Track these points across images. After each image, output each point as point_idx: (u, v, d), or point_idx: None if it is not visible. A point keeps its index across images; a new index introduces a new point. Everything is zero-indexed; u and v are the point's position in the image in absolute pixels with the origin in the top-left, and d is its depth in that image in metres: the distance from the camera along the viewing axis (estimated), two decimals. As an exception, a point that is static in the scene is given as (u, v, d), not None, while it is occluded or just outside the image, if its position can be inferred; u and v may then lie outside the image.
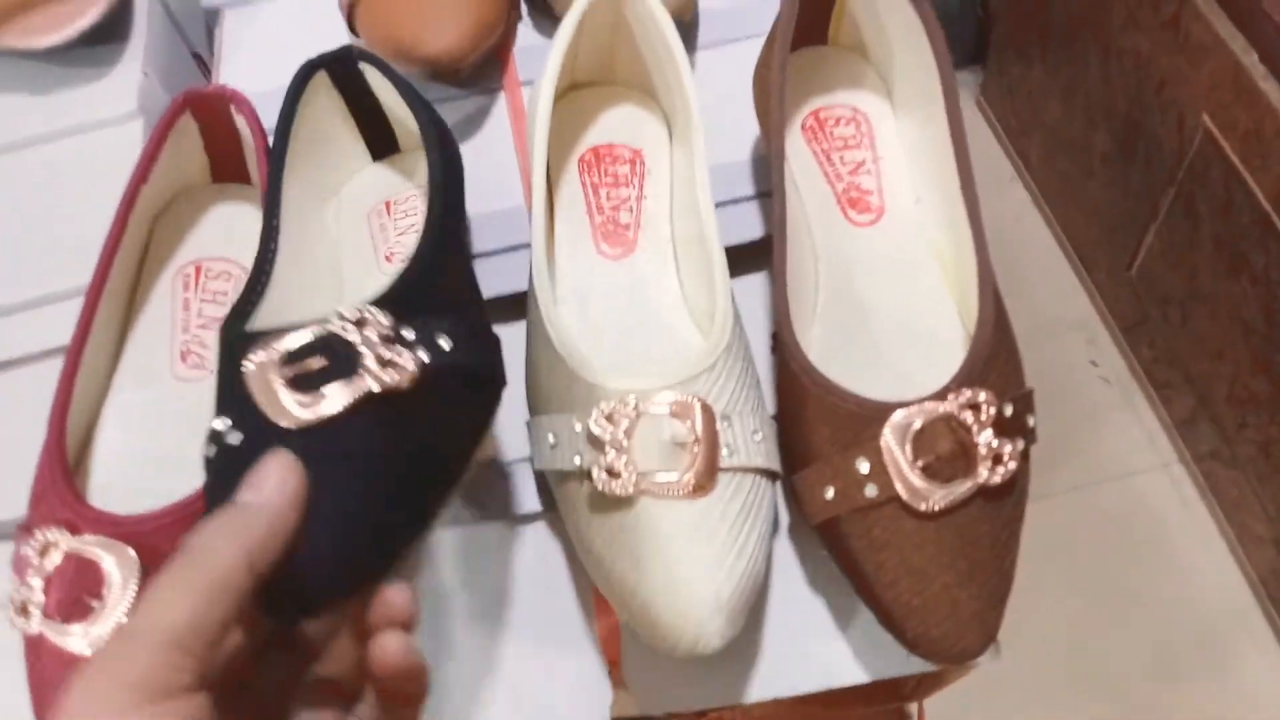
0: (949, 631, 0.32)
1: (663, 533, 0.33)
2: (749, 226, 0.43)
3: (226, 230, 0.42)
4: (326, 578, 0.27)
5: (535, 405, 0.37)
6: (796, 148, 0.43)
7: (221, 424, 0.29)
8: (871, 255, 0.41)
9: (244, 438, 0.29)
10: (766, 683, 0.37)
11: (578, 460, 0.34)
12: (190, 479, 0.32)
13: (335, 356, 0.29)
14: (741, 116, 0.45)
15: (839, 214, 0.42)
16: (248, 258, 0.41)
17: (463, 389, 0.32)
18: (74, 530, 0.32)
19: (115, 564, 0.32)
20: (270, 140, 0.40)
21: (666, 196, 0.43)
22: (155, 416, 0.38)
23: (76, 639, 0.31)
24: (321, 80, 0.40)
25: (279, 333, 0.30)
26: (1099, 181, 1.06)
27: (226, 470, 0.28)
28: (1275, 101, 0.76)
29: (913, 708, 0.44)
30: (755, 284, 0.43)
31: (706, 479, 0.33)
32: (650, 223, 0.42)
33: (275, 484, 0.27)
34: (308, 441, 0.28)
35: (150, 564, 0.32)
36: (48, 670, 0.32)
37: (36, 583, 0.32)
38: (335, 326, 0.29)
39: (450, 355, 0.31)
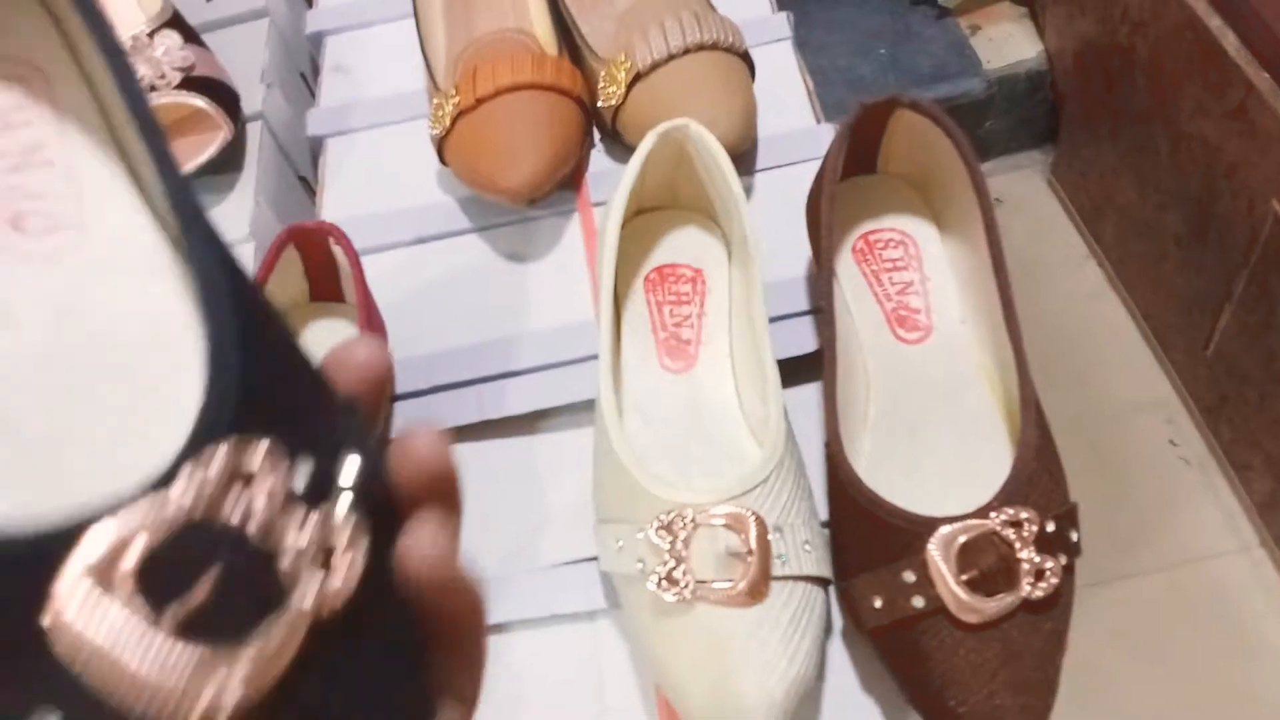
0: (993, 739, 0.34)
1: (719, 637, 0.35)
2: (802, 340, 0.46)
3: (324, 342, 0.47)
4: None
5: (601, 511, 0.41)
6: (847, 268, 0.46)
7: None
8: (920, 372, 0.43)
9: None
10: (819, 784, 0.38)
11: (640, 565, 0.37)
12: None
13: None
14: (796, 236, 0.48)
15: (888, 332, 0.44)
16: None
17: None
18: None
19: None
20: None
21: (725, 313, 0.46)
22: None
23: None
24: None
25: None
26: (1173, 263, 1.06)
27: None
28: (1346, 187, 0.77)
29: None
30: (809, 394, 0.46)
31: (760, 587, 0.36)
32: (710, 339, 0.45)
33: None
34: None
35: None
36: None
37: None
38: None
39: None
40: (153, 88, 0.53)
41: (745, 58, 0.51)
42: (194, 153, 0.54)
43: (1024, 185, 1.29)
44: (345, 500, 0.17)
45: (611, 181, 0.53)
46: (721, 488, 0.37)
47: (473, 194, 0.53)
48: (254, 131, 0.58)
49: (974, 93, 1.17)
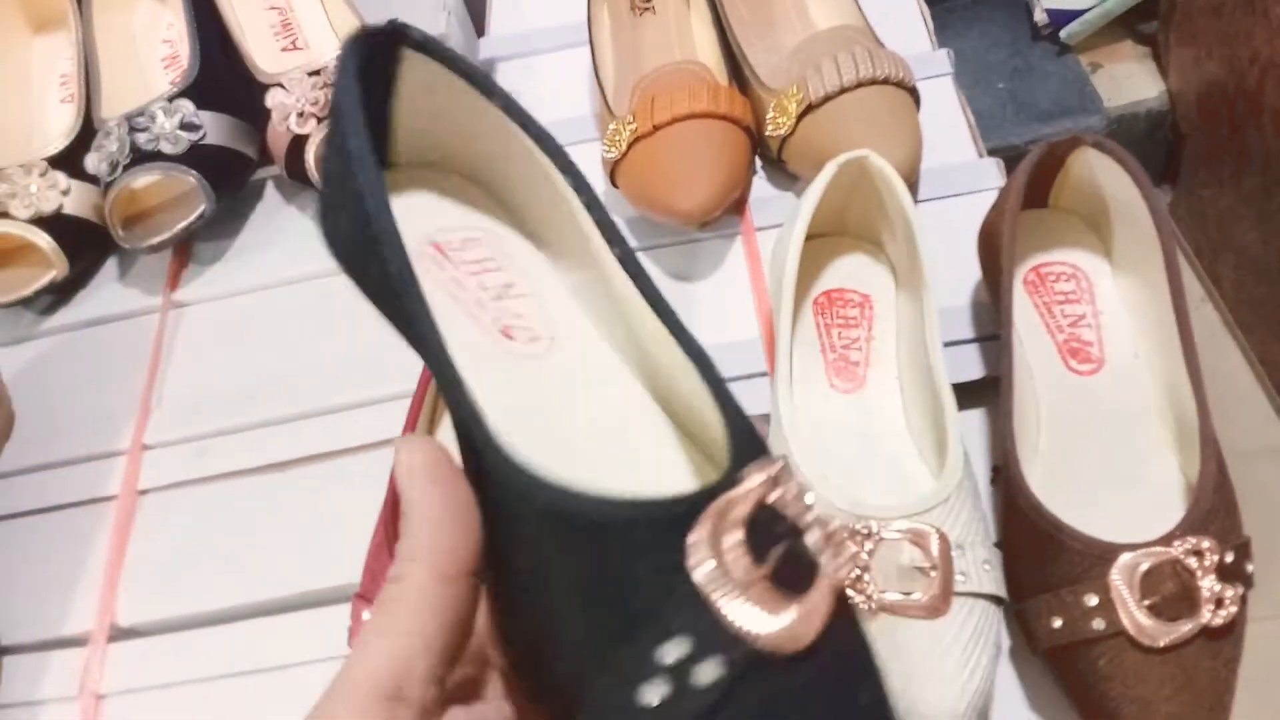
0: (1171, 761, 0.35)
1: (901, 648, 0.37)
2: (967, 367, 0.48)
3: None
4: None
5: None
6: (1019, 300, 0.47)
7: (677, 650, 0.20)
8: (1093, 403, 0.44)
9: (727, 671, 0.20)
10: (989, 795, 0.40)
11: None
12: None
13: (778, 537, 0.21)
14: (956, 266, 0.50)
15: (1060, 363, 0.45)
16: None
17: None
18: None
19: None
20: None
21: (893, 337, 0.48)
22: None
23: None
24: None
25: (688, 505, 0.21)
26: (1296, 308, 1.05)
27: None
28: None
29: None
30: (973, 420, 0.47)
31: (943, 601, 0.37)
32: (879, 361, 0.47)
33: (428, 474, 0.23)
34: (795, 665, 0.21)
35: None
36: None
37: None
38: (756, 488, 0.22)
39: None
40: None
41: (913, 93, 0.53)
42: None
43: (1138, 224, 1.28)
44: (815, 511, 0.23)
45: (774, 208, 0.55)
46: (904, 504, 0.39)
47: (639, 216, 0.56)
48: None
49: (1094, 130, 1.17)
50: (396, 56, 0.28)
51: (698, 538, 0.21)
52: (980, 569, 0.38)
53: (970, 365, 0.48)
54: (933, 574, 0.37)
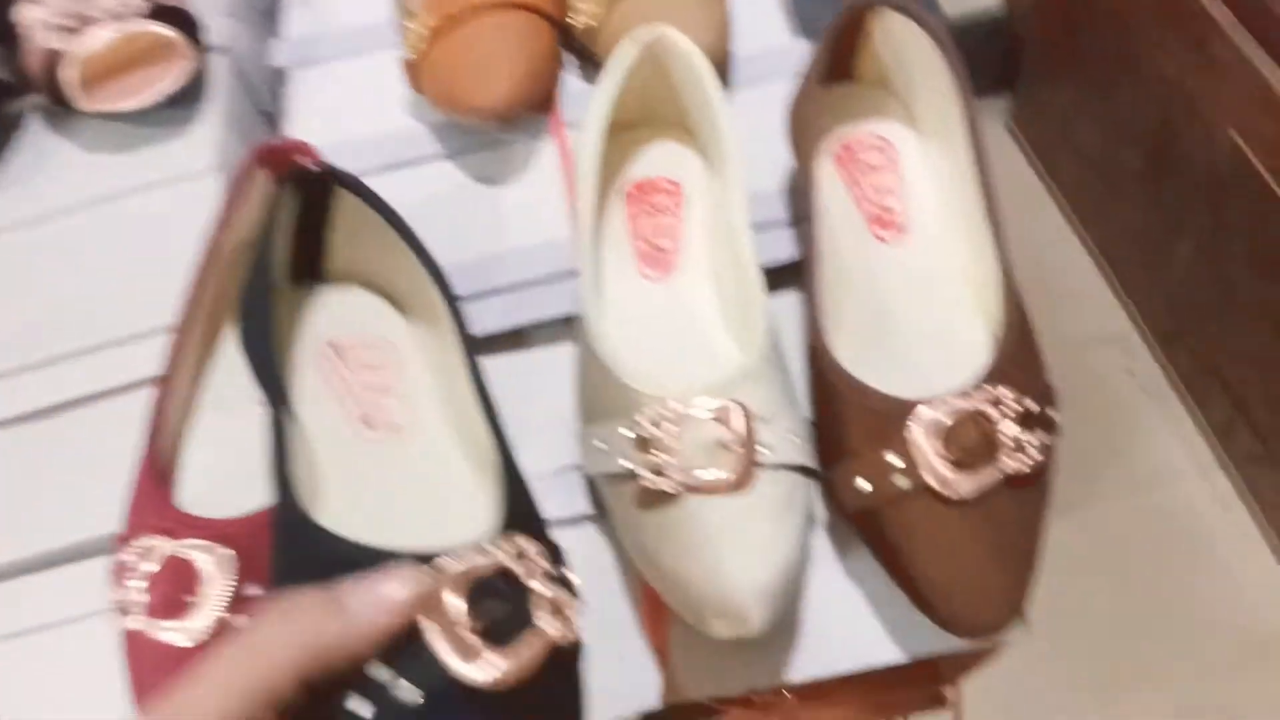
0: (977, 607, 0.35)
1: (708, 525, 0.36)
2: (782, 249, 0.47)
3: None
4: None
5: (585, 415, 0.41)
6: (828, 175, 0.46)
7: (385, 674, 0.26)
8: (899, 270, 0.44)
9: (426, 696, 0.25)
10: (807, 664, 0.39)
11: (626, 463, 0.37)
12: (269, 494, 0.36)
13: (507, 597, 0.27)
14: (774, 149, 0.49)
15: (868, 233, 0.45)
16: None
17: None
18: (172, 536, 0.36)
19: (213, 563, 0.35)
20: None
21: (704, 223, 0.46)
22: (238, 438, 0.42)
23: (177, 633, 0.35)
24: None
25: (425, 558, 0.27)
26: (1131, 199, 1.08)
27: None
28: (1299, 113, 0.79)
29: (951, 691, 0.46)
30: (790, 302, 0.46)
31: (747, 476, 0.36)
32: (689, 247, 0.46)
33: (389, 607, 0.26)
34: (493, 703, 0.26)
35: (244, 564, 0.35)
36: (148, 665, 0.35)
37: (137, 585, 0.36)
38: (503, 558, 0.28)
39: (573, 585, 0.30)
40: (117, 16, 0.52)
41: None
42: (153, 83, 0.53)
43: (985, 131, 1.30)
44: (569, 580, 0.31)
45: (585, 103, 0.53)
46: (707, 382, 0.38)
47: (444, 120, 0.53)
48: (215, 64, 0.58)
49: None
50: (331, 192, 0.38)
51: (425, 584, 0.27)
52: (787, 440, 0.38)
53: (784, 247, 0.47)
54: (737, 449, 0.36)
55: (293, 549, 0.29)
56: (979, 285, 0.42)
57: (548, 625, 0.27)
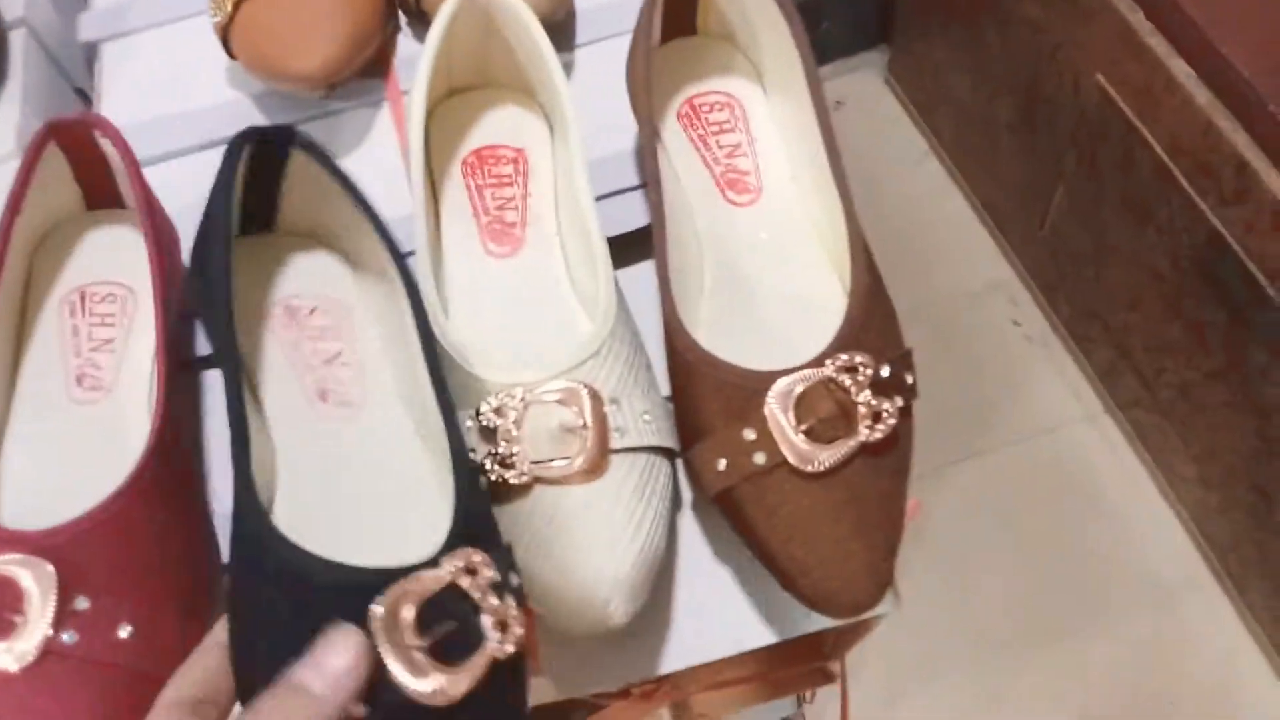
0: (843, 584, 0.33)
1: (560, 516, 0.33)
2: (634, 216, 0.44)
3: (107, 254, 0.42)
4: None
5: None
6: (674, 135, 0.44)
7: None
8: (753, 234, 0.42)
9: (372, 712, 0.26)
10: (679, 653, 0.37)
11: (473, 454, 0.34)
12: (98, 494, 0.33)
13: (455, 614, 0.27)
14: (622, 110, 0.46)
15: (719, 196, 0.43)
16: (130, 278, 0.42)
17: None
18: None
19: (33, 579, 0.32)
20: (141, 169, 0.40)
21: (551, 193, 0.43)
22: (57, 440, 0.38)
23: (3, 656, 0.31)
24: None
25: (387, 576, 0.27)
26: (1007, 150, 1.09)
27: None
28: (1163, 55, 0.79)
29: (835, 666, 0.45)
30: (646, 271, 0.44)
31: (598, 462, 0.34)
32: (536, 220, 0.43)
33: (344, 669, 0.25)
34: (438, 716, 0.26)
35: (66, 576, 0.32)
36: None
37: None
38: (449, 574, 0.28)
39: (520, 590, 0.30)
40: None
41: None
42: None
43: (863, 86, 1.30)
44: (518, 593, 0.29)
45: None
46: (552, 363, 0.35)
47: (268, 89, 0.49)
48: (17, 40, 0.52)
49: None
50: (287, 151, 0.37)
51: (377, 607, 0.27)
52: (640, 421, 0.35)
53: (636, 214, 0.44)
54: (585, 434, 0.34)
55: (250, 553, 0.29)
56: (833, 245, 0.40)
57: (492, 640, 0.28)
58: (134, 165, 0.39)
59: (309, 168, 0.38)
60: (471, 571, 0.28)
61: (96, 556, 0.33)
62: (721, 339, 0.38)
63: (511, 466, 0.34)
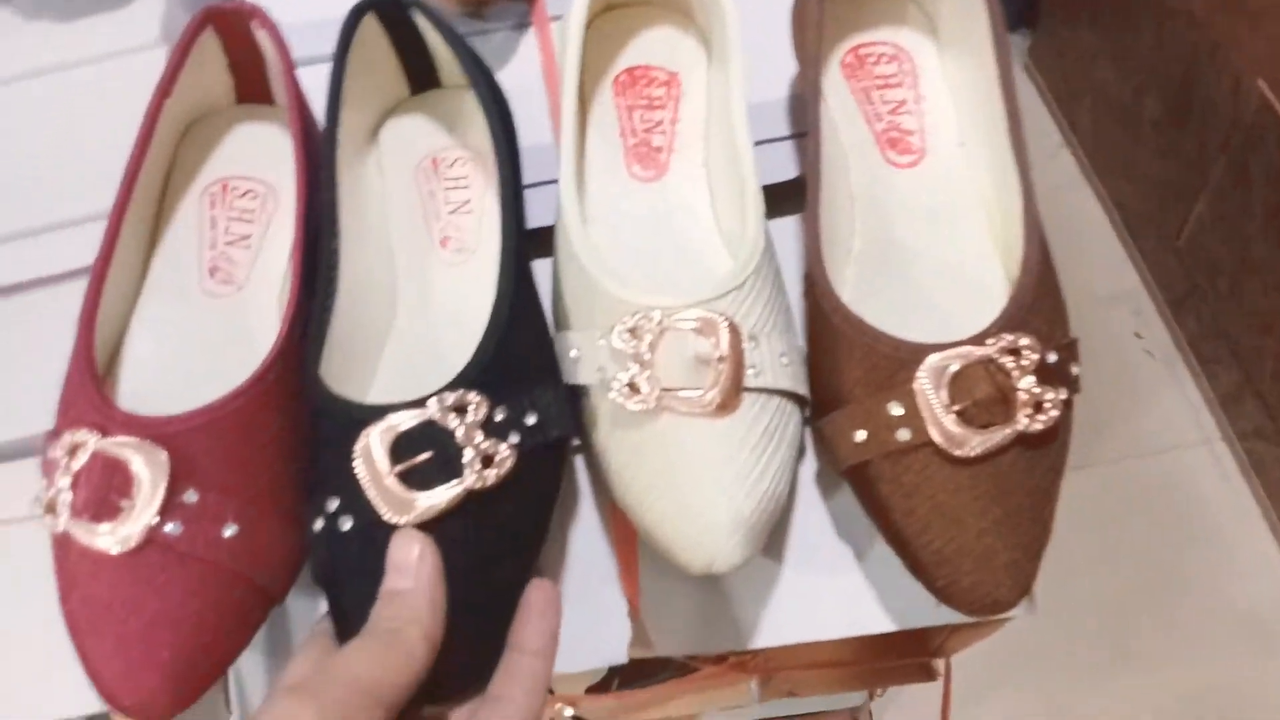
0: (981, 581, 0.31)
1: (684, 450, 0.32)
2: (784, 166, 0.42)
3: (252, 149, 0.41)
4: (443, 673, 0.29)
5: (560, 322, 0.37)
6: (835, 85, 0.41)
7: (333, 503, 0.31)
8: (911, 198, 0.39)
9: (354, 525, 0.30)
10: (786, 628, 0.36)
11: (600, 374, 0.33)
12: (219, 389, 0.32)
13: (437, 447, 0.30)
14: (780, 54, 0.44)
15: (878, 155, 0.40)
16: (274, 176, 0.41)
17: (544, 459, 0.33)
18: (103, 432, 0.32)
19: (144, 464, 0.31)
20: (297, 68, 0.39)
21: (702, 121, 0.41)
22: (184, 330, 0.38)
23: (105, 537, 0.31)
24: (369, 21, 0.39)
25: (379, 411, 0.30)
26: (1149, 148, 1.03)
27: (338, 554, 0.30)
28: (1339, 66, 0.73)
29: (940, 664, 0.43)
30: (790, 226, 0.42)
31: (731, 398, 0.32)
32: (684, 146, 0.41)
33: (416, 557, 0.29)
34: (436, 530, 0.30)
35: (178, 467, 0.32)
36: (75, 568, 0.32)
37: (64, 482, 0.32)
38: (436, 414, 0.30)
39: (539, 433, 0.31)
40: None
41: None
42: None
43: (1001, 69, 1.24)
44: (513, 437, 0.31)
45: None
46: (691, 291, 0.33)
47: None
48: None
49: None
50: (405, 14, 0.39)
51: (363, 441, 0.30)
52: (776, 362, 0.33)
53: (787, 164, 0.42)
54: (721, 367, 0.32)
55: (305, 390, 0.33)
56: (1001, 219, 0.38)
57: (471, 474, 0.30)
58: (288, 62, 0.38)
59: (431, 31, 0.39)
60: (460, 410, 0.30)
61: (211, 451, 0.32)
62: (866, 303, 0.35)
63: (639, 391, 0.32)
